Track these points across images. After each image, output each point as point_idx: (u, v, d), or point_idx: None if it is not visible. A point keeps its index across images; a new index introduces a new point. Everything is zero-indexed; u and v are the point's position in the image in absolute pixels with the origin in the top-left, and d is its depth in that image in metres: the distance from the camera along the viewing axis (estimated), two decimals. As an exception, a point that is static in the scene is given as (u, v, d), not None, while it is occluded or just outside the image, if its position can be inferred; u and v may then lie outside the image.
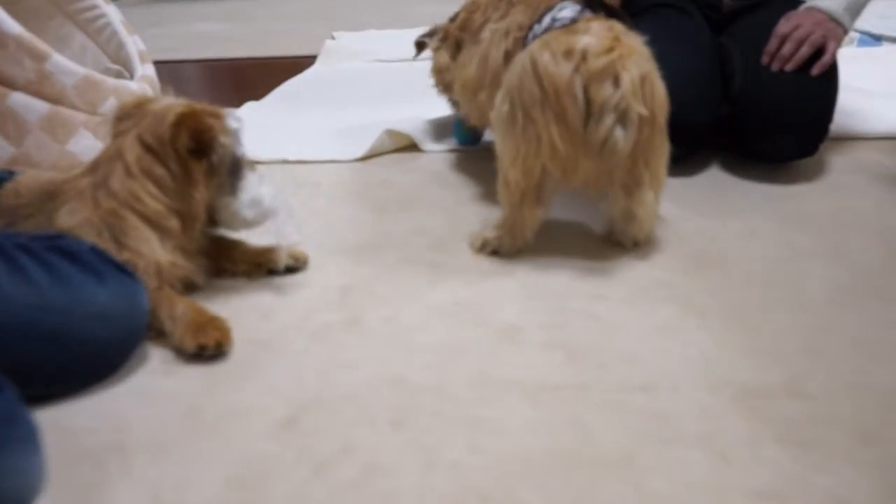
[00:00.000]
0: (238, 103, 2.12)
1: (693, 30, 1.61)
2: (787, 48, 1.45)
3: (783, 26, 1.48)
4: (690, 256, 1.19)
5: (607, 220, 1.23)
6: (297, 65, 2.59)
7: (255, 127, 1.89)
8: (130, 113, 1.05)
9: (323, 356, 0.98)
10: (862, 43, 2.50)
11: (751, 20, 1.63)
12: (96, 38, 1.94)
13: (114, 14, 1.93)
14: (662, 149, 1.13)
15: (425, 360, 0.96)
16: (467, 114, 1.46)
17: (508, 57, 1.23)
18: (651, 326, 1.02)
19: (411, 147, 1.71)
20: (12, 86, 1.51)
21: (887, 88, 1.94)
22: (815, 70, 1.44)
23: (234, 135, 1.07)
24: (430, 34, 1.57)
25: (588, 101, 1.05)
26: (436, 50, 1.54)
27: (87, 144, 1.61)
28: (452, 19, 1.50)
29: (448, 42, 1.49)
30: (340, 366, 0.95)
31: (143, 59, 1.90)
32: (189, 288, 1.09)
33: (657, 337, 0.99)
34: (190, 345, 0.96)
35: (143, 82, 1.81)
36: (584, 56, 1.05)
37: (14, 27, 1.49)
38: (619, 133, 1.05)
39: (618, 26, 1.12)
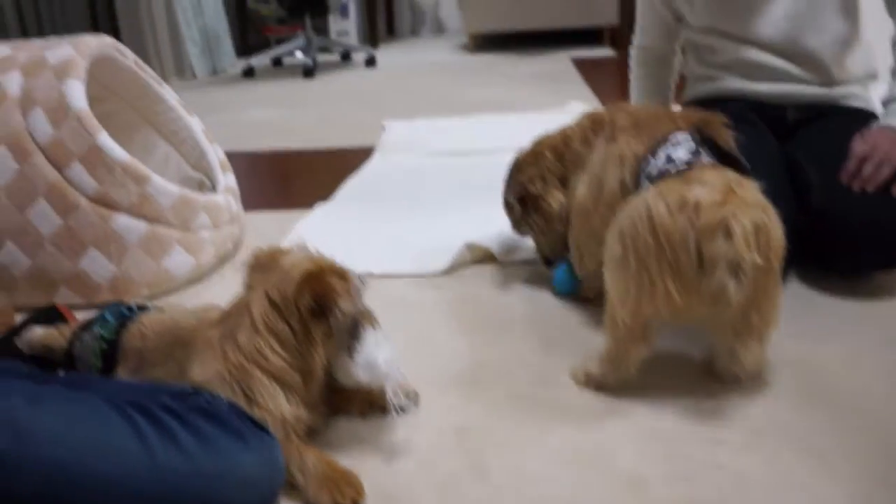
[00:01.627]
0: (303, 202, 2.13)
1: (763, 143, 1.61)
2: (868, 169, 1.44)
3: (860, 147, 1.47)
4: (799, 391, 1.16)
5: (712, 353, 1.21)
6: (354, 157, 2.62)
7: (331, 234, 1.89)
8: (264, 264, 1.04)
9: (456, 513, 0.95)
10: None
11: (818, 131, 1.63)
12: (179, 147, 1.96)
13: (195, 124, 1.95)
14: (776, 293, 1.11)
15: (559, 518, 0.93)
16: (579, 245, 1.42)
17: (624, 186, 1.24)
18: (777, 478, 0.98)
19: (489, 258, 1.70)
20: (117, 208, 1.52)
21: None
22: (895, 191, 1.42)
23: (357, 295, 1.05)
24: (521, 190, 1.50)
25: (700, 255, 1.04)
26: (545, 193, 1.47)
27: (181, 261, 1.61)
28: (515, 193, 1.51)
29: (549, 181, 1.47)
30: (476, 525, 0.93)
31: (223, 168, 1.92)
32: (310, 433, 1.07)
33: (786, 491, 0.96)
34: (325, 502, 0.93)
35: (227, 194, 1.83)
36: (696, 209, 1.04)
37: (121, 154, 1.51)
38: (731, 285, 1.03)
39: (732, 175, 1.11)
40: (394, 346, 1.06)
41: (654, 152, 1.21)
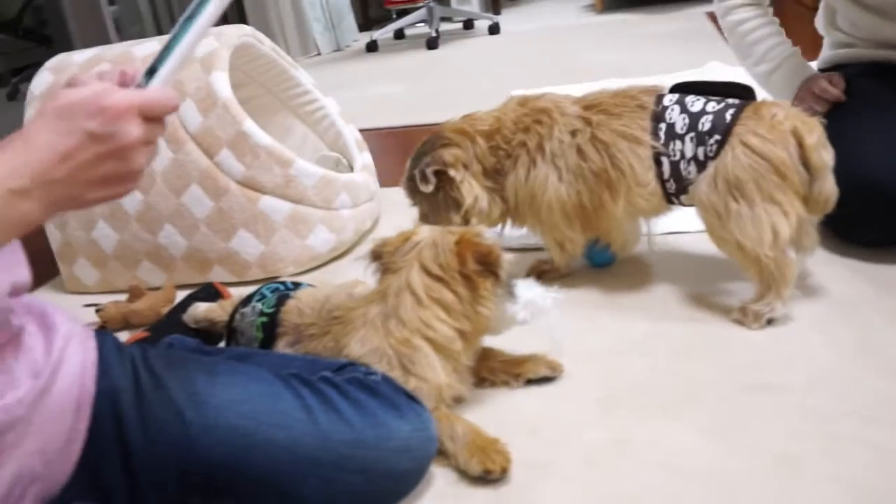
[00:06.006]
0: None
1: None
2: None
3: None
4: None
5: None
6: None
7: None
8: (402, 248, 1.12)
9: (599, 483, 1.00)
10: None
11: None
12: (315, 128, 2.08)
13: (331, 106, 2.06)
14: None
15: (703, 490, 0.96)
16: (559, 238, 1.45)
17: (657, 157, 1.33)
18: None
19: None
20: (262, 190, 1.64)
21: None
22: None
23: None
24: (442, 166, 1.43)
25: (810, 169, 1.24)
26: (461, 182, 1.43)
27: (324, 238, 1.73)
28: (435, 166, 1.42)
29: (472, 170, 1.43)
30: (620, 496, 0.97)
31: (360, 147, 2.02)
32: (458, 402, 1.15)
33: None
34: (476, 469, 1.01)
35: (365, 172, 1.93)
36: (795, 135, 1.23)
37: (265, 139, 1.63)
38: (834, 185, 1.25)
39: (788, 107, 1.29)
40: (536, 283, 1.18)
41: (660, 118, 1.33)
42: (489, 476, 1.00)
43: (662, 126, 1.32)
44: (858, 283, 1.37)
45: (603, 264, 1.56)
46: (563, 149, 1.38)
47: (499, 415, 1.15)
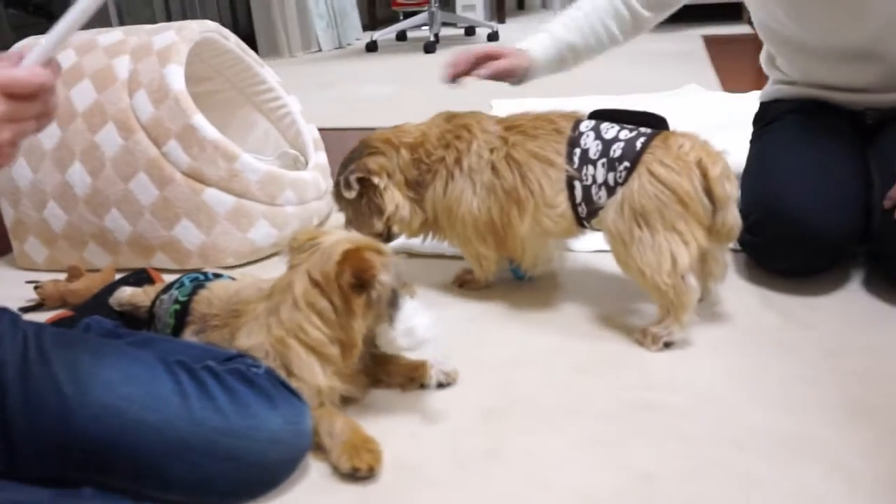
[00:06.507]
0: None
1: (830, 137, 1.55)
2: None
3: None
4: (844, 406, 1.16)
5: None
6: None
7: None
8: (304, 246, 1.15)
9: (465, 489, 1.03)
10: None
11: (892, 138, 1.53)
12: (278, 124, 2.13)
13: (294, 104, 2.11)
14: None
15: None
16: (473, 253, 1.48)
17: (570, 181, 1.36)
18: (795, 490, 1.00)
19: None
20: (207, 182, 1.69)
21: None
22: None
23: (394, 269, 1.14)
24: (366, 174, 1.47)
25: (713, 200, 1.26)
26: (384, 189, 1.47)
27: (265, 233, 1.77)
28: (359, 173, 1.46)
29: (395, 179, 1.47)
30: (481, 503, 1.01)
31: (316, 147, 2.07)
32: (347, 401, 1.18)
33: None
34: (345, 466, 1.05)
35: (316, 171, 1.97)
36: (699, 166, 1.26)
37: (213, 133, 1.67)
38: (738, 216, 1.30)
39: (696, 138, 1.31)
40: (432, 314, 1.16)
41: (574, 145, 1.36)
42: (357, 473, 1.04)
43: (577, 151, 1.35)
44: (765, 312, 1.41)
45: (525, 277, 1.59)
46: (480, 165, 1.41)
47: (384, 416, 1.19)
